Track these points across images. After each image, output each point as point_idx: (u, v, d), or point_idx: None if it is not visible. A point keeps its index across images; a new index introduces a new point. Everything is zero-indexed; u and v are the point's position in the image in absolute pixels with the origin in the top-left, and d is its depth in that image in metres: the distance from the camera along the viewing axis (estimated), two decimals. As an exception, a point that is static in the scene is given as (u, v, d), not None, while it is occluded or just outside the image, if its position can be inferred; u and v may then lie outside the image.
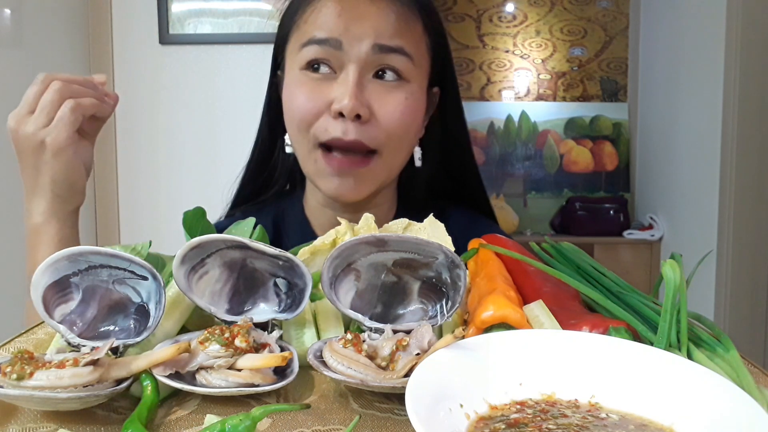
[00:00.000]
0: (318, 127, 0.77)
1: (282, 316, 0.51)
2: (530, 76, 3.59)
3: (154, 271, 0.48)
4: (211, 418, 0.39)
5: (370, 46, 0.76)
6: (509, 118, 3.52)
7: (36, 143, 0.71)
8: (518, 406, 0.40)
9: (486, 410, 0.39)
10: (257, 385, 0.44)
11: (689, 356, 0.46)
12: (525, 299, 0.54)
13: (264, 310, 0.52)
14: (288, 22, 0.83)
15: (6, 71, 1.80)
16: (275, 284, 0.53)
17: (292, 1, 0.84)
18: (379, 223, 0.65)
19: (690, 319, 0.50)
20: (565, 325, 0.49)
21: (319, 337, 0.53)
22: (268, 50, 0.90)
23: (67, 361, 0.42)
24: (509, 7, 3.58)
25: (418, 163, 0.87)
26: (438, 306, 0.52)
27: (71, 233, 0.77)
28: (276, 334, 0.49)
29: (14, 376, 0.40)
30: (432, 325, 0.47)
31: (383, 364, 0.45)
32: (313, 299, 0.56)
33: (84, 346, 0.47)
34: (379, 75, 0.78)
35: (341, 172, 0.78)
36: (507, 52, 3.59)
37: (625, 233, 3.18)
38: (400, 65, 0.78)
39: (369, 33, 0.76)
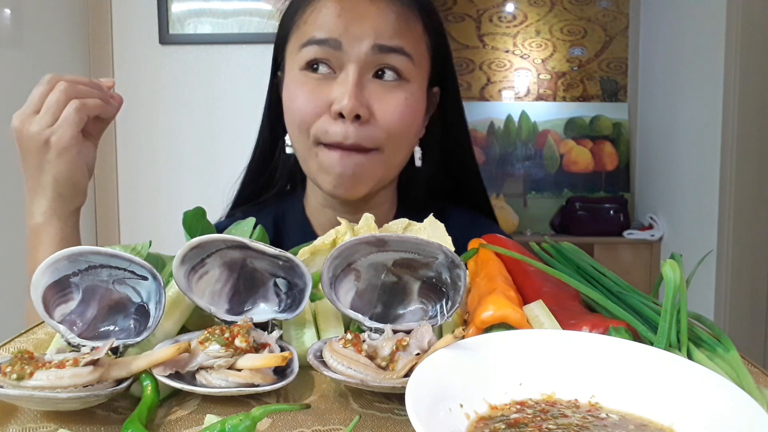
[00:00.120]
0: (318, 128, 0.77)
1: (282, 316, 0.51)
2: (530, 76, 3.59)
3: (154, 271, 0.48)
4: (211, 418, 0.39)
5: (369, 46, 0.76)
6: (509, 118, 3.52)
7: (40, 142, 0.71)
8: (518, 406, 0.40)
9: (486, 410, 0.39)
10: (257, 385, 0.44)
11: (689, 356, 0.46)
12: (525, 299, 0.54)
13: (264, 310, 0.52)
14: (288, 23, 0.83)
15: (6, 71, 1.80)
16: (275, 284, 0.53)
17: (291, 2, 0.84)
18: (380, 223, 0.65)
19: (690, 319, 0.50)
20: (565, 325, 0.49)
21: (319, 337, 0.53)
22: (268, 50, 0.90)
23: (67, 361, 0.42)
24: (509, 7, 3.58)
25: (418, 162, 0.87)
26: (438, 306, 0.52)
27: (72, 233, 0.77)
28: (276, 334, 0.49)
29: (14, 376, 0.40)
30: (432, 325, 0.47)
31: (383, 364, 0.45)
32: (313, 299, 0.56)
33: (84, 346, 0.47)
34: (378, 75, 0.78)
35: (342, 164, 0.78)
36: (507, 52, 3.59)
37: (625, 233, 3.18)
38: (399, 65, 0.78)
39: (369, 33, 0.76)
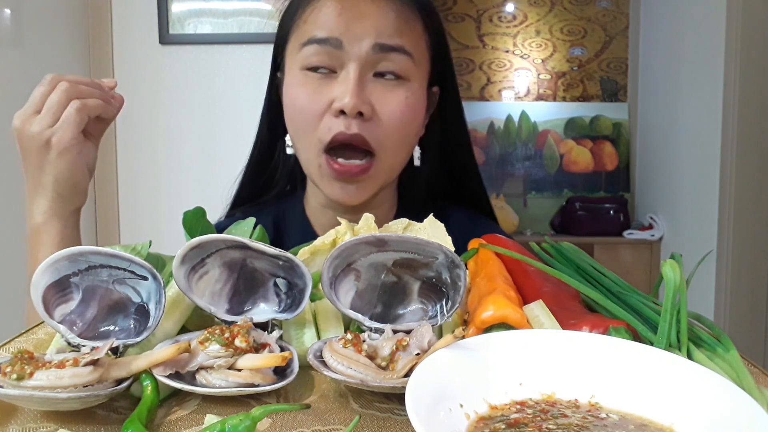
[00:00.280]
0: (321, 129, 0.77)
1: (282, 316, 0.51)
2: (530, 76, 3.59)
3: (154, 271, 0.48)
4: (211, 418, 0.39)
5: (370, 45, 0.76)
6: (509, 118, 3.52)
7: (41, 142, 0.71)
8: (518, 406, 0.40)
9: (486, 410, 0.39)
10: (257, 385, 0.44)
11: (689, 356, 0.46)
12: (525, 299, 0.54)
13: (264, 310, 0.52)
14: (287, 23, 0.83)
15: (6, 71, 1.80)
16: (275, 284, 0.53)
17: (291, 2, 0.84)
18: (380, 223, 0.65)
19: (690, 319, 0.50)
20: (565, 325, 0.49)
21: (319, 337, 0.53)
22: (268, 50, 0.90)
23: (67, 361, 0.42)
24: (509, 7, 3.58)
25: (417, 162, 0.87)
26: (438, 306, 0.52)
27: (72, 233, 0.77)
28: (276, 334, 0.49)
29: (14, 376, 0.40)
30: (432, 325, 0.47)
31: (383, 364, 0.45)
32: (313, 299, 0.56)
33: (84, 346, 0.47)
34: (379, 74, 0.78)
35: (343, 178, 0.79)
36: (507, 52, 3.59)
37: (625, 233, 3.18)
38: (400, 64, 0.78)
39: (369, 32, 0.76)
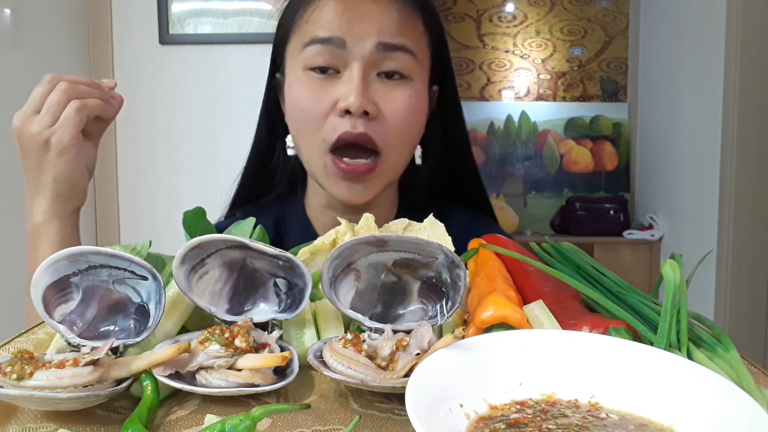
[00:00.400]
0: (326, 129, 0.77)
1: (282, 316, 0.51)
2: (530, 76, 3.59)
3: (154, 271, 0.48)
4: (211, 418, 0.39)
5: (374, 44, 0.76)
6: (509, 118, 3.52)
7: (40, 142, 0.71)
8: (518, 406, 0.40)
9: (486, 410, 0.39)
10: (257, 385, 0.44)
11: (689, 356, 0.46)
12: (525, 299, 0.54)
13: (264, 310, 0.52)
14: (287, 24, 0.83)
15: (6, 71, 1.80)
16: (275, 284, 0.53)
17: (290, 2, 0.84)
18: (381, 223, 0.65)
19: (690, 319, 0.50)
20: (565, 325, 0.49)
21: (319, 337, 0.53)
22: (268, 50, 0.89)
23: (67, 361, 0.42)
24: (509, 7, 3.58)
25: (418, 161, 0.87)
26: (438, 306, 0.52)
27: (72, 233, 0.77)
28: (276, 334, 0.49)
29: (14, 376, 0.40)
30: (432, 325, 0.47)
31: (383, 364, 0.45)
32: (313, 299, 0.56)
33: (84, 346, 0.47)
34: (382, 73, 0.78)
35: (350, 178, 0.79)
36: (507, 52, 3.59)
37: (625, 233, 3.18)
38: (403, 63, 0.78)
39: (372, 31, 0.76)
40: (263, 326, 0.50)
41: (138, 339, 0.48)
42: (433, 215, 0.65)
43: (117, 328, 0.50)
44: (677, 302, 0.47)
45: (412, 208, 0.89)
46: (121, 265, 0.49)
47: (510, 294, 0.51)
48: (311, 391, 0.47)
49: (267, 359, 0.45)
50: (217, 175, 2.07)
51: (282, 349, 0.48)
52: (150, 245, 0.56)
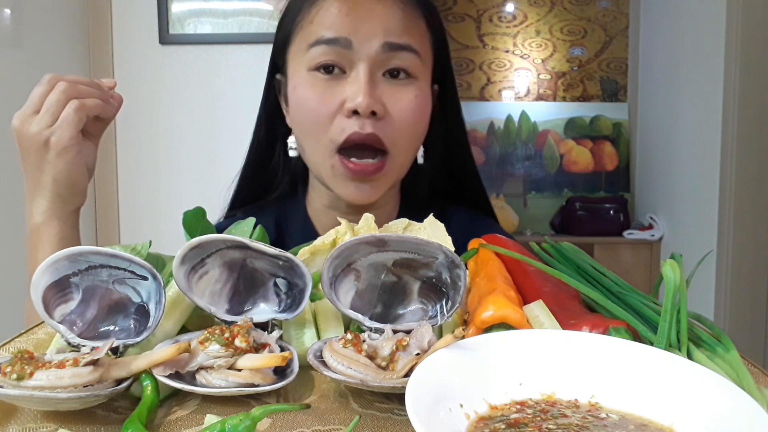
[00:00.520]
0: (334, 130, 0.77)
1: (282, 316, 0.51)
2: (530, 76, 3.59)
3: (154, 271, 0.48)
4: (211, 418, 0.39)
5: (380, 44, 0.76)
6: (509, 118, 3.52)
7: (40, 143, 0.71)
8: (518, 406, 0.40)
9: (486, 410, 0.39)
10: (257, 385, 0.44)
11: (689, 356, 0.46)
12: (525, 299, 0.54)
13: (264, 310, 0.52)
14: (289, 24, 0.83)
15: (6, 71, 1.80)
16: (275, 284, 0.53)
17: (291, 3, 0.84)
18: (383, 224, 0.65)
19: (690, 319, 0.50)
20: (565, 325, 0.49)
21: (319, 337, 0.53)
22: (268, 50, 0.89)
23: (67, 361, 0.42)
24: (509, 7, 3.58)
25: (420, 160, 0.87)
26: (438, 306, 0.52)
27: (72, 233, 0.77)
28: (276, 334, 0.49)
29: (14, 376, 0.40)
30: (432, 325, 0.47)
31: (383, 364, 0.45)
32: (313, 299, 0.56)
33: (84, 346, 0.47)
34: (388, 73, 0.78)
35: (358, 178, 0.79)
36: (507, 52, 3.59)
37: (625, 233, 3.18)
38: (409, 62, 0.78)
39: (378, 31, 0.76)
40: (263, 326, 0.50)
41: (138, 339, 0.48)
42: (434, 215, 0.65)
43: (117, 328, 0.50)
44: (677, 302, 0.47)
45: (413, 208, 0.89)
46: (121, 265, 0.49)
47: (510, 294, 0.51)
48: (311, 391, 0.47)
49: (267, 359, 0.45)
50: (217, 175, 2.07)
51: (282, 349, 0.48)
52: (150, 245, 0.56)
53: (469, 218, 0.92)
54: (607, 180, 3.48)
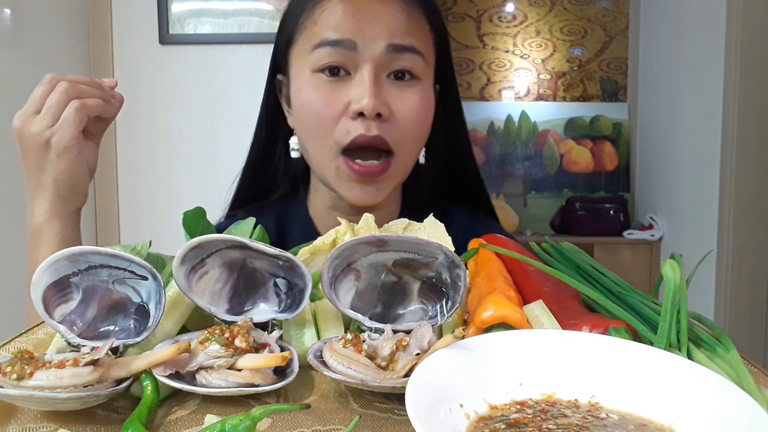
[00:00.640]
0: (339, 132, 0.77)
1: (282, 316, 0.51)
2: (530, 76, 3.59)
3: (154, 271, 0.48)
4: (211, 418, 0.39)
5: (384, 46, 0.76)
6: (509, 118, 3.52)
7: (41, 143, 0.71)
8: (518, 406, 0.40)
9: (486, 410, 0.39)
10: (257, 385, 0.44)
11: (689, 356, 0.46)
12: (525, 299, 0.54)
13: (264, 310, 0.52)
14: (292, 25, 0.82)
15: (6, 71, 1.80)
16: (275, 284, 0.53)
17: (293, 5, 0.83)
18: (384, 224, 0.65)
19: (690, 319, 0.50)
20: (565, 325, 0.49)
21: (319, 337, 0.53)
22: (268, 50, 0.89)
23: (67, 361, 0.42)
24: (509, 7, 3.58)
25: (422, 160, 0.87)
26: (438, 306, 0.52)
27: (73, 233, 0.77)
28: (276, 334, 0.49)
29: (14, 376, 0.40)
30: (432, 325, 0.47)
31: (383, 364, 0.45)
32: (313, 299, 0.56)
33: (84, 346, 0.47)
34: (392, 74, 0.78)
35: (364, 179, 0.79)
36: (507, 52, 3.59)
37: (625, 233, 3.18)
38: (413, 64, 0.78)
39: (383, 33, 0.76)
40: (263, 326, 0.50)
41: (138, 339, 0.48)
42: (435, 216, 0.65)
43: (117, 328, 0.50)
44: (677, 302, 0.47)
45: (414, 208, 0.89)
46: (121, 265, 0.49)
47: (510, 294, 0.51)
48: (311, 391, 0.47)
49: (267, 359, 0.45)
50: (217, 175, 2.07)
51: (282, 349, 0.48)
52: (150, 245, 0.56)
53: (470, 218, 0.92)
54: (607, 180, 3.48)
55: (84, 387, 0.41)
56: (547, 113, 3.54)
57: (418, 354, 0.44)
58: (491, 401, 0.40)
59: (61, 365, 0.41)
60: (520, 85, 3.59)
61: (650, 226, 3.16)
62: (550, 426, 0.37)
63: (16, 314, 0.81)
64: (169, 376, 0.43)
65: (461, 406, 0.38)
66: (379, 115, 0.76)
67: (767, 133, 2.36)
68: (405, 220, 0.65)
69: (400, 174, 0.83)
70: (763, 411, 0.36)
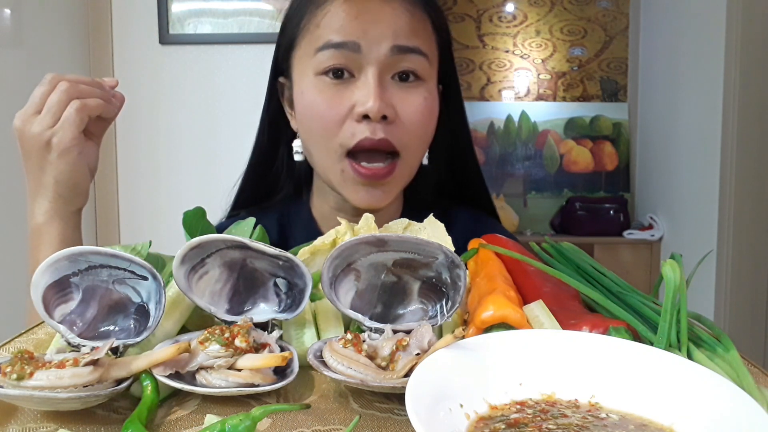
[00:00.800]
0: (344, 135, 0.77)
1: (282, 316, 0.51)
2: (530, 76, 3.59)
3: (154, 271, 0.48)
4: (211, 418, 0.39)
5: (389, 47, 0.76)
6: (509, 118, 3.52)
7: (42, 143, 0.71)
8: (518, 406, 0.40)
9: (486, 410, 0.39)
10: (257, 385, 0.44)
11: (689, 356, 0.46)
12: (525, 299, 0.54)
13: (264, 310, 0.52)
14: (294, 28, 0.82)
15: (6, 71, 1.80)
16: (275, 284, 0.53)
17: (295, 6, 0.83)
18: (385, 223, 0.66)
19: (690, 319, 0.50)
20: (565, 325, 0.49)
21: (319, 337, 0.53)
22: (268, 50, 0.89)
23: (67, 361, 0.42)
24: (509, 7, 3.58)
25: (425, 161, 0.87)
26: (438, 306, 0.52)
27: (73, 234, 0.77)
28: (276, 334, 0.49)
29: (14, 376, 0.40)
30: (432, 325, 0.47)
31: (383, 364, 0.45)
32: (313, 299, 0.56)
33: (84, 346, 0.47)
34: (397, 76, 0.78)
35: (369, 182, 0.78)
36: (507, 52, 3.59)
37: (625, 233, 3.18)
38: (417, 65, 0.78)
39: (387, 35, 0.76)
40: (263, 326, 0.50)
41: (138, 339, 0.48)
42: (437, 216, 0.65)
43: (117, 328, 0.50)
44: (677, 302, 0.47)
45: (416, 209, 0.88)
46: (121, 265, 0.49)
47: (510, 294, 0.51)
48: (311, 391, 0.47)
49: (267, 359, 0.45)
50: (217, 175, 2.08)
51: (282, 349, 0.48)
52: (150, 245, 0.56)
53: (472, 219, 0.92)
54: (607, 180, 3.48)
55: (84, 387, 0.41)
56: (547, 113, 3.54)
57: (418, 354, 0.44)
58: (491, 401, 0.40)
59: (61, 365, 0.41)
60: (520, 85, 3.59)
61: (650, 226, 3.16)
62: (550, 426, 0.37)
63: (16, 314, 0.81)
64: (169, 376, 0.43)
65: (461, 406, 0.38)
66: (384, 118, 0.75)
67: (767, 133, 2.36)
68: (405, 220, 0.65)
69: (406, 176, 0.82)
70: (763, 411, 0.36)
